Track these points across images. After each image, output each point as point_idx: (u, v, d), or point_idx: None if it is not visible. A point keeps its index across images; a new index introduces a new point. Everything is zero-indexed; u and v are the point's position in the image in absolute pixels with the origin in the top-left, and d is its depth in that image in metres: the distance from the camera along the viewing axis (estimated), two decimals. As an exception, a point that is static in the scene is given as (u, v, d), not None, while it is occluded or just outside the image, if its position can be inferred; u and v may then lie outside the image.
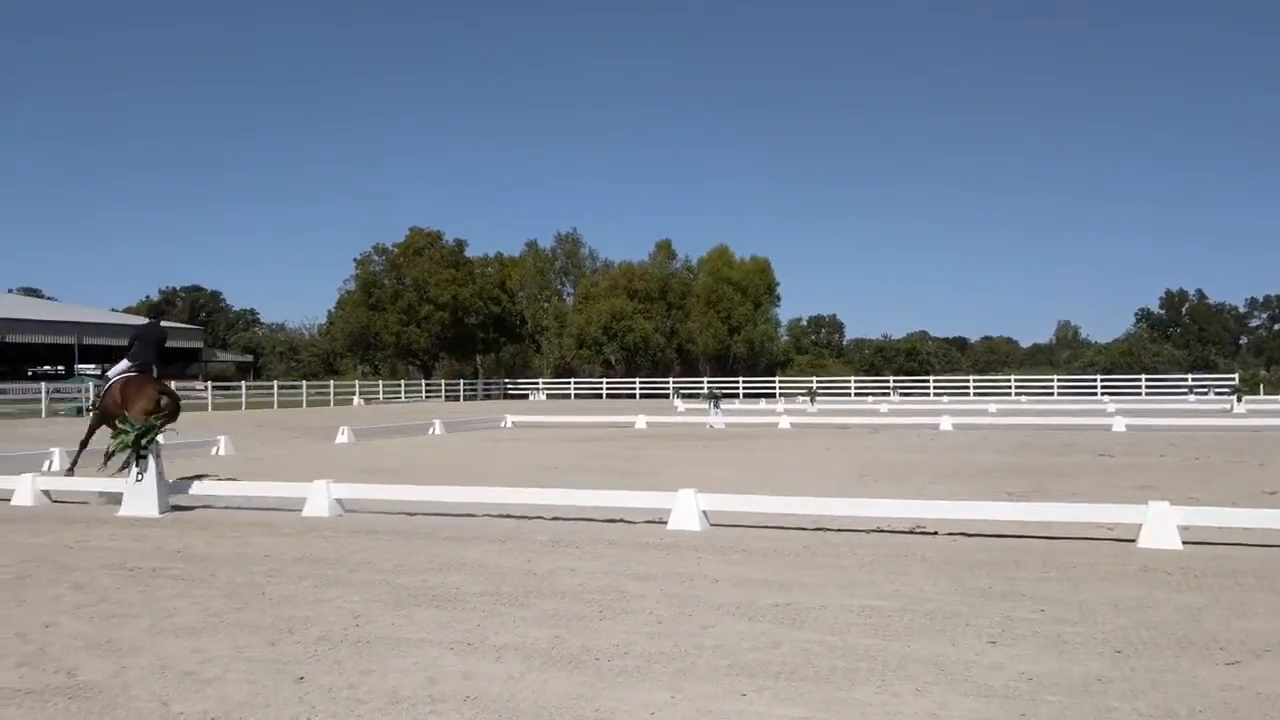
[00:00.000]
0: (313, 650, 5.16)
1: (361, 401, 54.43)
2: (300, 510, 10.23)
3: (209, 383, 49.23)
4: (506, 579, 6.94)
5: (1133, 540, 7.99)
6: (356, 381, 61.37)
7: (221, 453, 18.72)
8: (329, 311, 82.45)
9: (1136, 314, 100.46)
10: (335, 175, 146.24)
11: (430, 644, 5.26)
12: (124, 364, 13.27)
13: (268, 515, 10.26)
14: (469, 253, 70.65)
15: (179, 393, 14.65)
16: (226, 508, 10.80)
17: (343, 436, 22.14)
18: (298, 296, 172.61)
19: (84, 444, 13.75)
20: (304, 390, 53.63)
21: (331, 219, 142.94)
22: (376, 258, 69.50)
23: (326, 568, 7.43)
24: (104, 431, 12.34)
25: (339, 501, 10.33)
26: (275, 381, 56.25)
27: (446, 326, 66.28)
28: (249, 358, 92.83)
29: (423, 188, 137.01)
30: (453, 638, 5.38)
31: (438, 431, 25.33)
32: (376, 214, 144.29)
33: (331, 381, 58.75)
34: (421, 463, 16.83)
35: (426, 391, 62.95)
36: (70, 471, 13.49)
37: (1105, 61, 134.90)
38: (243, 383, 53.77)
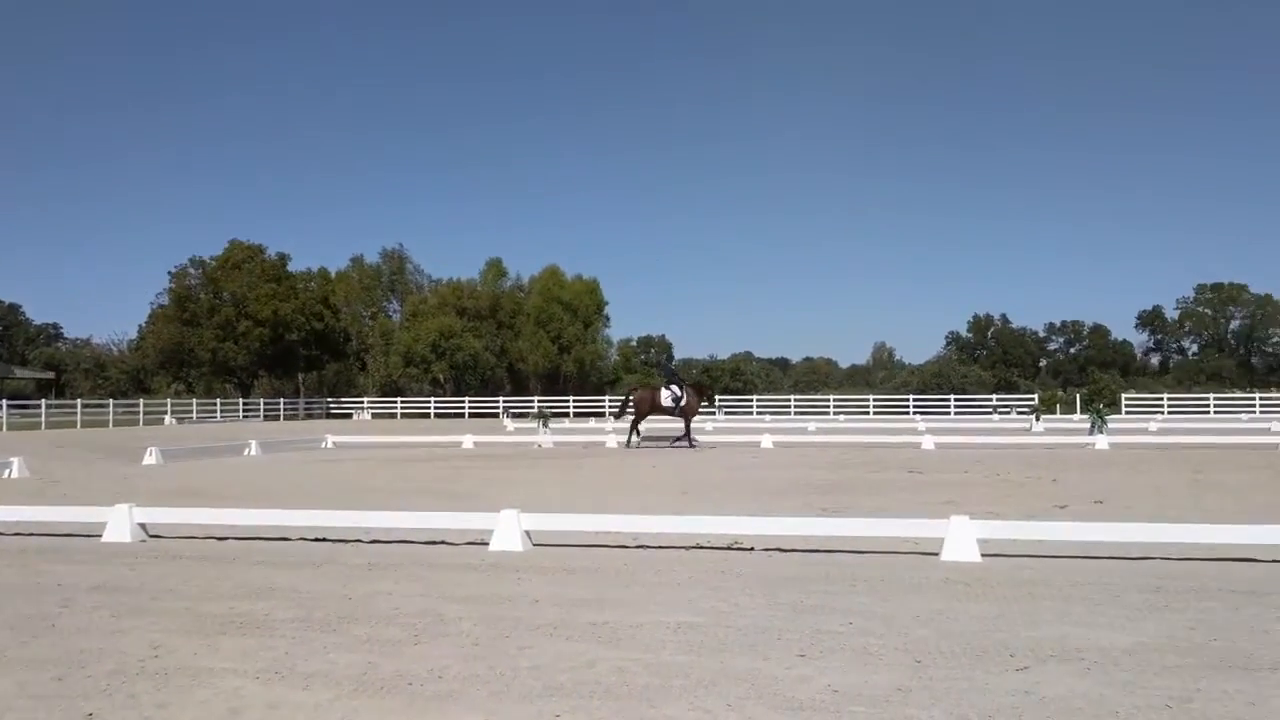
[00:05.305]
0: (104, 684, 4.89)
1: (174, 421, 52.02)
2: (100, 535, 9.70)
3: (4, 401, 46.00)
4: (319, 604, 6.74)
5: (936, 554, 8.36)
6: (169, 400, 58.47)
7: (15, 475, 17.58)
8: (140, 327, 78.59)
9: (947, 337, 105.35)
10: (151, 183, 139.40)
11: (234, 673, 5.05)
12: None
13: (63, 542, 9.68)
14: (292, 267, 68.53)
15: None
16: (17, 534, 10.13)
17: (150, 457, 21.16)
18: (106, 311, 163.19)
19: (634, 425, 26.39)
20: (110, 409, 50.74)
21: (146, 229, 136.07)
22: (193, 271, 66.60)
23: (126, 596, 7.06)
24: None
25: (143, 526, 9.84)
26: (79, 400, 52.98)
27: (266, 343, 64.00)
28: (50, 375, 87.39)
29: (244, 200, 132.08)
30: (259, 666, 5.18)
31: (254, 452, 24.45)
32: (195, 227, 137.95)
33: (141, 400, 55.90)
34: (235, 485, 16.18)
35: (244, 411, 60.55)
36: (627, 443, 26.23)
37: (932, 88, 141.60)
38: (43, 401, 50.58)
